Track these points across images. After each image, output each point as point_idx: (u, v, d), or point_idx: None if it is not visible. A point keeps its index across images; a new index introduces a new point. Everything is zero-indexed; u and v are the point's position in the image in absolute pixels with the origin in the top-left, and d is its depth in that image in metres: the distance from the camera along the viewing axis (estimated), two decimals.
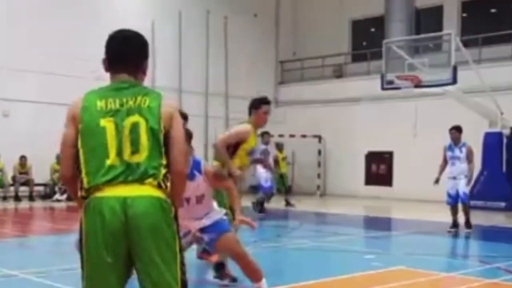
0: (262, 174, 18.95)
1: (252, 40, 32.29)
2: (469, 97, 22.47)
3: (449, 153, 15.27)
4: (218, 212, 7.57)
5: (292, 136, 30.31)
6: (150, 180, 4.06)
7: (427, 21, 30.49)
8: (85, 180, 4.06)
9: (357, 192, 28.63)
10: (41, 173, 23.40)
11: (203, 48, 30.08)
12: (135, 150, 4.10)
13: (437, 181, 15.14)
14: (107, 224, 3.96)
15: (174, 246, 4.14)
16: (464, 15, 29.33)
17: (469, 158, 15.15)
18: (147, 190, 4.03)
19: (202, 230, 7.37)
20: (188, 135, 6.83)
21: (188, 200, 7.09)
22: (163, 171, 4.13)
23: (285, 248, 12.08)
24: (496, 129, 22.55)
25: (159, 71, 28.17)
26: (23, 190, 23.49)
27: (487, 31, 27.04)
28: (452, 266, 10.28)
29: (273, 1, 33.83)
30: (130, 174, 4.05)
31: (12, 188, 23.22)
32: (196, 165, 7.17)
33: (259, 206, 18.85)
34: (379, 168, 29.21)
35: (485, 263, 10.48)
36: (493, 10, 29.33)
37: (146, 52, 4.81)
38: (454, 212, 15.13)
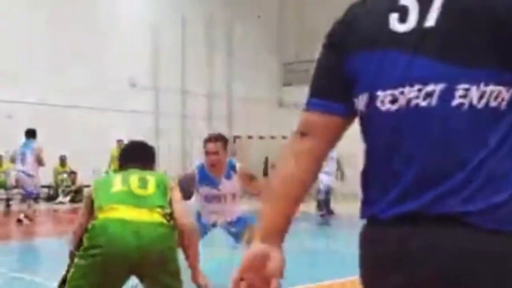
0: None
1: (256, 42, 32.31)
2: None
3: None
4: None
5: None
6: None
7: None
8: None
9: None
10: (44, 175, 23.41)
11: (206, 50, 30.10)
12: None
13: None
14: None
15: None
16: None
17: None
18: None
19: (230, 223, 8.10)
20: (224, 140, 7.70)
21: (225, 196, 7.77)
22: None
23: (289, 250, 12.01)
24: None
25: (162, 73, 28.24)
26: None
27: None
28: None
29: (277, 2, 33.85)
30: None
31: (15, 190, 23.21)
32: (232, 166, 7.66)
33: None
34: None
35: None
36: None
37: None
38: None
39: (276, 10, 33.77)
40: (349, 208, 19.37)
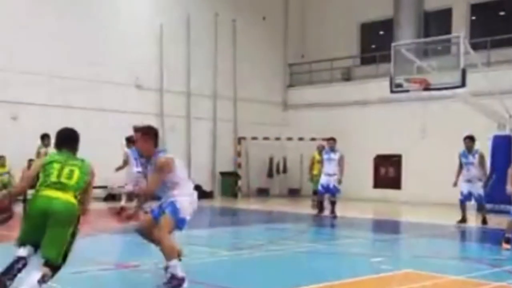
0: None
1: (261, 43, 32.30)
2: (478, 100, 22.40)
3: (463, 159, 17.36)
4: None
5: (300, 139, 30.30)
6: None
7: (436, 24, 30.43)
8: None
9: (366, 194, 28.59)
10: None
11: (211, 51, 30.11)
12: None
13: (455, 184, 17.28)
14: None
15: None
16: (473, 17, 29.26)
17: (481, 163, 17.32)
18: None
19: (160, 205, 8.64)
20: (143, 131, 8.78)
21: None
22: None
23: (292, 251, 12.05)
24: (505, 132, 22.47)
25: (167, 74, 28.24)
26: (31, 193, 23.47)
27: (496, 33, 26.97)
28: (460, 269, 10.24)
29: (282, 4, 33.83)
30: None
31: None
32: (158, 155, 8.57)
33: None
34: (387, 171, 29.18)
35: (493, 266, 10.44)
36: (502, 13, 29.25)
37: None
38: (463, 209, 17.40)
39: (280, 12, 33.73)
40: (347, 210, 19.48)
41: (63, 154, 7.68)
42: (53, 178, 7.35)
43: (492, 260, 11.23)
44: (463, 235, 15.78)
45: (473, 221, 18.23)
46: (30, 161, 23.38)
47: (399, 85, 22.08)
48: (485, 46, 26.62)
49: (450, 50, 26.34)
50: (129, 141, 18.43)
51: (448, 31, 28.36)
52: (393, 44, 23.28)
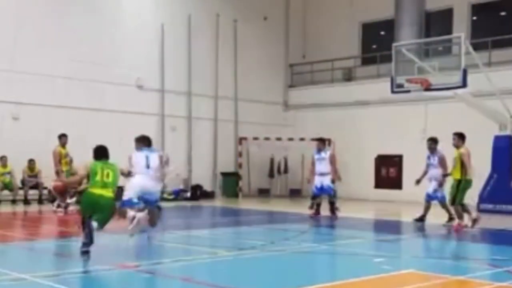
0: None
1: (262, 43, 32.30)
2: (479, 100, 22.40)
3: (427, 160, 18.26)
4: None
5: (301, 139, 30.29)
6: None
7: (437, 24, 30.43)
8: None
9: (367, 195, 28.60)
10: (50, 176, 23.44)
11: (212, 51, 30.13)
12: None
13: (418, 182, 18.18)
14: None
15: None
16: (474, 18, 29.25)
17: (442, 165, 17.87)
18: None
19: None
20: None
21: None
22: None
23: (293, 252, 12.04)
24: (506, 133, 22.46)
25: (169, 75, 28.24)
26: (33, 193, 23.52)
27: (497, 34, 26.97)
28: (461, 269, 10.24)
29: (283, 4, 33.82)
30: None
31: (21, 192, 23.26)
32: None
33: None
34: (388, 171, 29.18)
35: (494, 266, 10.44)
36: (503, 13, 29.24)
37: None
38: (426, 208, 18.08)
39: (281, 12, 33.72)
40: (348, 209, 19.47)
41: (101, 162, 11.46)
42: (98, 178, 11.07)
43: (494, 261, 11.22)
44: (464, 235, 15.74)
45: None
46: (31, 161, 23.43)
47: (400, 86, 22.08)
48: (486, 47, 26.61)
49: (451, 51, 26.37)
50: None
51: (449, 31, 28.37)
52: (394, 45, 23.27)
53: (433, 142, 18.21)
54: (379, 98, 27.98)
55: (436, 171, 17.95)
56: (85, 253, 10.23)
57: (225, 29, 30.59)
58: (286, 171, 32.09)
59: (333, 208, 19.18)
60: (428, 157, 18.26)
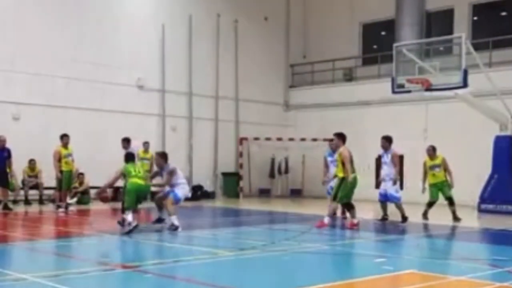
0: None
1: (262, 44, 32.32)
2: (480, 100, 22.40)
3: (382, 159, 18.48)
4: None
5: (302, 139, 30.30)
6: None
7: (438, 24, 30.44)
8: None
9: (368, 195, 28.55)
10: (51, 176, 23.46)
11: (213, 51, 30.15)
12: None
13: (377, 183, 18.88)
14: None
15: None
16: (475, 18, 29.26)
17: (394, 162, 18.00)
18: None
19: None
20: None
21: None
22: None
23: (294, 252, 12.03)
24: (507, 133, 22.46)
25: (169, 75, 28.24)
26: (33, 193, 23.52)
27: (498, 34, 26.99)
28: (462, 270, 10.22)
29: (284, 4, 33.83)
30: None
31: (22, 192, 23.24)
32: None
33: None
34: None
35: (495, 266, 10.43)
36: (503, 13, 29.25)
37: None
38: (383, 207, 18.41)
39: (282, 13, 33.73)
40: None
41: (130, 163, 15.15)
42: (133, 173, 14.72)
43: (495, 261, 11.22)
44: (464, 235, 15.75)
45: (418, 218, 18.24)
46: (31, 161, 23.43)
47: (401, 86, 22.09)
48: (487, 47, 26.62)
49: (451, 51, 26.36)
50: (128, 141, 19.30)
51: (450, 31, 28.38)
52: (395, 45, 23.28)
53: (385, 141, 18.28)
54: (380, 98, 27.99)
55: (390, 170, 18.21)
56: (130, 232, 13.91)
57: (225, 29, 30.61)
58: (287, 171, 32.09)
59: (344, 210, 19.29)
60: (382, 156, 18.55)
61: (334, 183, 18.22)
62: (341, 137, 17.02)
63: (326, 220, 16.32)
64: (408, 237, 15.93)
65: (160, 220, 15.91)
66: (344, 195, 16.37)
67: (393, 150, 18.18)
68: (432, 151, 19.19)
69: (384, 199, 18.45)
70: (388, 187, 18.22)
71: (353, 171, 16.40)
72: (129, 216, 14.26)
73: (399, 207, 18.11)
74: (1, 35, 23.59)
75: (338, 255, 12.15)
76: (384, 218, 18.37)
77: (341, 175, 16.40)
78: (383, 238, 15.56)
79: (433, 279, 9.18)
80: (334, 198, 16.44)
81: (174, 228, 14.92)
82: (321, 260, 11.41)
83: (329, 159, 19.57)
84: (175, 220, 15.02)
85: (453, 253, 13.10)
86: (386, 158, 18.18)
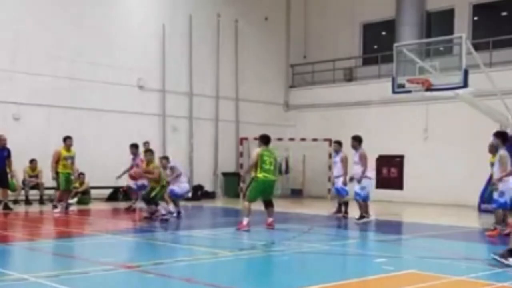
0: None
1: (263, 44, 32.32)
2: (480, 100, 22.39)
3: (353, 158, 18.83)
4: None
5: (302, 139, 30.30)
6: None
7: (438, 24, 30.44)
8: None
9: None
10: (50, 177, 23.47)
11: (213, 51, 30.15)
12: None
13: (350, 179, 18.91)
14: None
15: None
16: (475, 18, 29.26)
17: (361, 162, 18.24)
18: None
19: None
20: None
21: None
22: None
23: (294, 252, 12.04)
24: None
25: (170, 75, 28.25)
26: (34, 193, 23.53)
27: (498, 34, 26.99)
28: (463, 270, 10.23)
29: (284, 4, 33.83)
30: None
31: (22, 192, 23.23)
32: None
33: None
34: (390, 172, 29.16)
35: (496, 266, 10.43)
36: (504, 13, 29.25)
37: None
38: (360, 206, 18.47)
39: (282, 13, 33.74)
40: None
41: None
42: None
43: (495, 261, 11.21)
44: (465, 235, 15.76)
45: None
46: (32, 161, 23.44)
47: (401, 86, 22.06)
48: (487, 47, 26.64)
49: (452, 51, 26.35)
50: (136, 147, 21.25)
51: (450, 31, 28.38)
52: (395, 45, 23.25)
53: (354, 140, 18.71)
54: (380, 99, 27.99)
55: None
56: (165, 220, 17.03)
57: (226, 29, 30.61)
58: (287, 171, 32.06)
59: (346, 209, 19.58)
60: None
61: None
62: (261, 139, 17.59)
63: (246, 219, 15.97)
64: (410, 237, 15.93)
65: (172, 213, 18.48)
66: (253, 194, 16.21)
67: (361, 150, 18.49)
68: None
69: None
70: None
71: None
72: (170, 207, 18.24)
73: (360, 204, 18.44)
74: (2, 35, 23.61)
75: (338, 255, 12.15)
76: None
77: (252, 174, 16.62)
78: (383, 238, 15.56)
79: (433, 279, 9.18)
80: (244, 196, 16.99)
81: (168, 212, 18.10)
82: (321, 260, 11.41)
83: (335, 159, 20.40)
84: (171, 208, 18.45)
85: (453, 253, 13.10)
86: (356, 158, 18.46)
